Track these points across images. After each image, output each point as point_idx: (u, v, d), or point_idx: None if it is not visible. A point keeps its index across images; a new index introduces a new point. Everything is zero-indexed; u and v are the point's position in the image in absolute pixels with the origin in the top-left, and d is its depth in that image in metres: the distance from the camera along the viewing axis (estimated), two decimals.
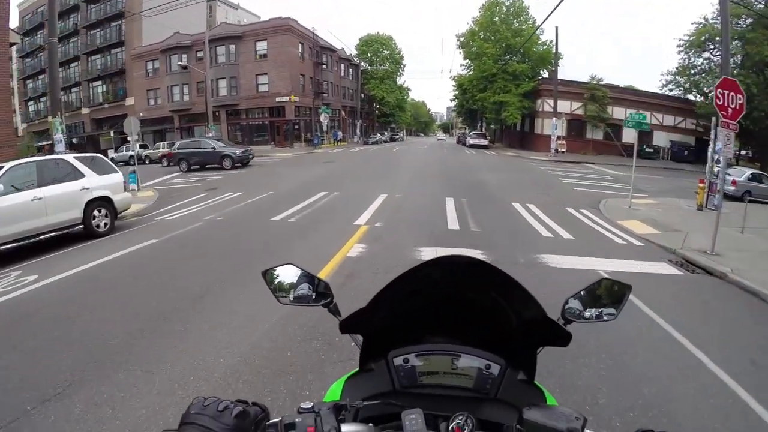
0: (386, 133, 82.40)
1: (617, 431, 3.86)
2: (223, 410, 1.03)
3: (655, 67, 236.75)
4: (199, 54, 50.51)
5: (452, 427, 1.20)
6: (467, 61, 56.89)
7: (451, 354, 1.50)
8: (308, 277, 1.82)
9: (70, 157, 12.97)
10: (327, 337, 5.47)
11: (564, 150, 40.57)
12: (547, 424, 1.11)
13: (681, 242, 10.61)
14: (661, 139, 43.96)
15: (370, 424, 1.30)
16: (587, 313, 1.67)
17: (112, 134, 54.55)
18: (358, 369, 1.64)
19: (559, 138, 40.54)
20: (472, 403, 1.40)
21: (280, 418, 1.13)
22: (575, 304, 1.67)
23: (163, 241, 11.33)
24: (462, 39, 56.09)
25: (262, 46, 53.33)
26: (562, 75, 44.09)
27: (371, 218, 12.70)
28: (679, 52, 40.23)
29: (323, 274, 7.66)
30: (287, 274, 1.84)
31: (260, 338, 5.57)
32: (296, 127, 54.93)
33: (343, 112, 70.88)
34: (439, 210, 13.89)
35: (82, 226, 12.39)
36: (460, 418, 1.21)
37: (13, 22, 75.80)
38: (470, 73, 56.56)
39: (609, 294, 1.74)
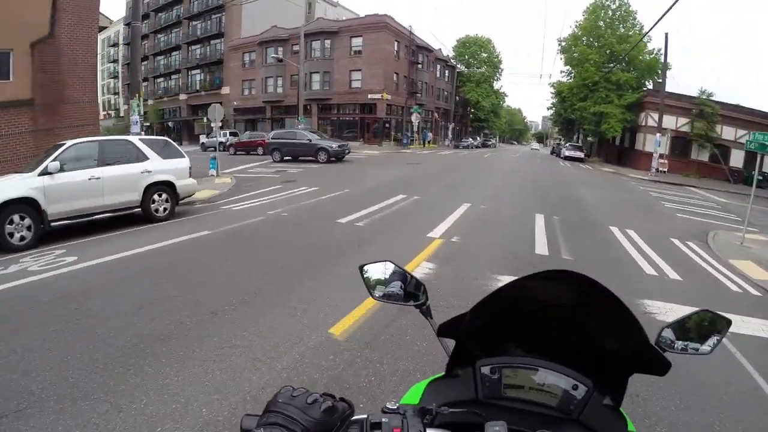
0: (478, 139, 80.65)
1: None
2: (312, 403, 0.99)
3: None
4: (295, 48, 50.53)
5: None
6: (568, 67, 53.94)
7: (539, 369, 1.39)
8: (402, 275, 1.84)
9: (135, 139, 12.99)
10: (348, 394, 4.05)
11: (665, 170, 37.18)
12: None
13: None
14: None
15: None
16: (678, 345, 1.53)
17: (205, 120, 56.23)
18: (442, 374, 1.59)
19: (661, 156, 36.99)
20: (553, 423, 1.34)
21: (366, 416, 1.10)
22: (668, 334, 1.53)
23: (215, 234, 10.79)
24: (564, 44, 52.89)
25: (357, 42, 52.92)
26: (668, 88, 40.37)
27: (448, 231, 11.20)
28: None
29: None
30: (383, 270, 1.85)
31: (267, 383, 4.32)
32: (386, 125, 54.27)
33: (436, 114, 69.57)
34: (526, 228, 12.17)
35: (140, 209, 12.35)
36: None
37: (120, 11, 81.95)
38: (570, 80, 53.73)
39: (705, 327, 1.58)
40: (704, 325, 1.59)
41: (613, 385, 1.43)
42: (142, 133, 18.30)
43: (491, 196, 17.53)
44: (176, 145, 14.12)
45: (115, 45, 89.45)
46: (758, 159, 14.17)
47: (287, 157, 31.32)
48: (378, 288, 1.85)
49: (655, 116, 39.66)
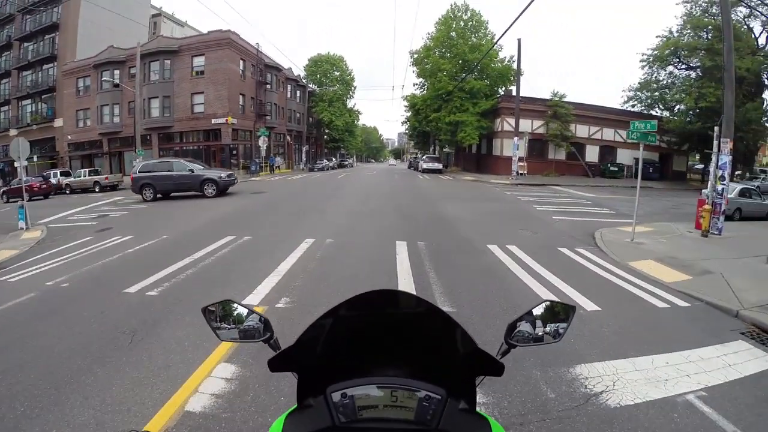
0: (334, 160, 78.80)
1: None
2: None
3: (617, 86, 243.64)
4: (133, 71, 45.72)
5: None
6: (421, 79, 53.71)
7: (389, 386, 1.43)
8: (251, 312, 1.80)
9: None
10: None
11: (524, 172, 37.68)
12: None
13: (731, 294, 8.06)
14: (625, 156, 43.52)
15: None
16: (530, 336, 1.65)
17: (35, 159, 50.39)
18: (295, 406, 1.56)
19: (520, 159, 37.51)
20: None
21: None
22: (525, 327, 1.66)
23: None
24: (416, 56, 52.62)
25: (199, 62, 48.51)
26: (522, 93, 41.12)
27: (275, 289, 8.28)
28: (642, 67, 42.18)
29: None
30: (228, 309, 1.81)
31: None
32: (234, 152, 49.82)
33: (288, 137, 66.46)
34: (385, 265, 9.49)
35: None
36: None
37: None
38: (424, 92, 53.48)
39: (553, 316, 1.69)
40: (551, 315, 1.68)
41: (463, 390, 1.47)
42: None
43: (341, 226, 14.75)
44: None
45: None
46: (641, 150, 12.96)
47: (160, 194, 26.10)
48: (233, 327, 1.76)
49: (511, 121, 39.91)
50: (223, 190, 25.87)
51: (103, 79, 48.49)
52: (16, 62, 58.34)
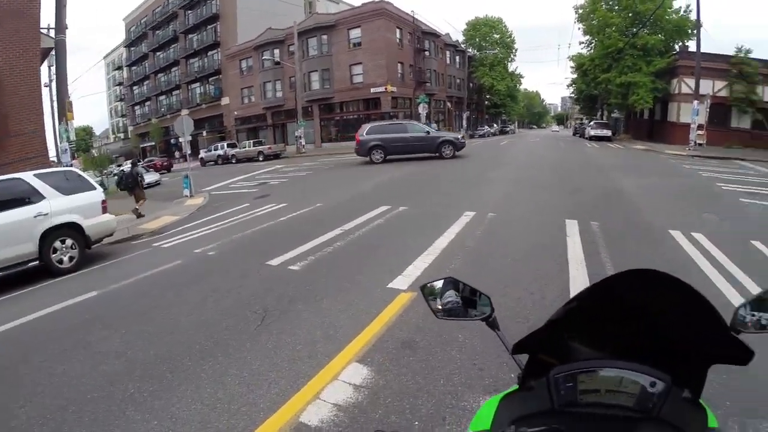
0: (495, 126, 76.14)
1: None
2: None
3: None
4: (292, 48, 48.04)
5: None
6: (588, 37, 49.33)
7: (615, 370, 1.35)
8: (454, 284, 1.74)
9: (28, 176, 10.20)
10: None
11: (703, 142, 32.15)
12: None
13: None
14: None
15: None
16: (756, 322, 1.40)
17: (204, 134, 54.69)
18: (515, 387, 1.51)
19: (699, 127, 31.88)
20: (630, 423, 1.29)
21: None
22: (744, 312, 1.41)
23: (98, 296, 7.89)
24: (581, 11, 47.96)
25: (355, 34, 48.99)
26: (701, 48, 33.57)
27: (428, 271, 7.09)
28: None
29: None
30: (448, 287, 1.74)
31: None
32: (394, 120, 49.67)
33: (449, 104, 65.53)
34: (554, 250, 7.92)
35: (38, 261, 9.87)
36: None
37: (120, 34, 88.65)
38: (591, 51, 49.19)
39: None
40: None
41: (691, 377, 1.36)
42: (74, 163, 16.02)
43: (505, 198, 13.31)
44: (81, 174, 11.57)
45: (120, 68, 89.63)
46: None
47: (393, 156, 25.87)
48: (447, 306, 1.70)
49: (690, 82, 34.65)
50: (459, 150, 25.74)
51: (263, 58, 52.01)
52: (183, 52, 66.22)
